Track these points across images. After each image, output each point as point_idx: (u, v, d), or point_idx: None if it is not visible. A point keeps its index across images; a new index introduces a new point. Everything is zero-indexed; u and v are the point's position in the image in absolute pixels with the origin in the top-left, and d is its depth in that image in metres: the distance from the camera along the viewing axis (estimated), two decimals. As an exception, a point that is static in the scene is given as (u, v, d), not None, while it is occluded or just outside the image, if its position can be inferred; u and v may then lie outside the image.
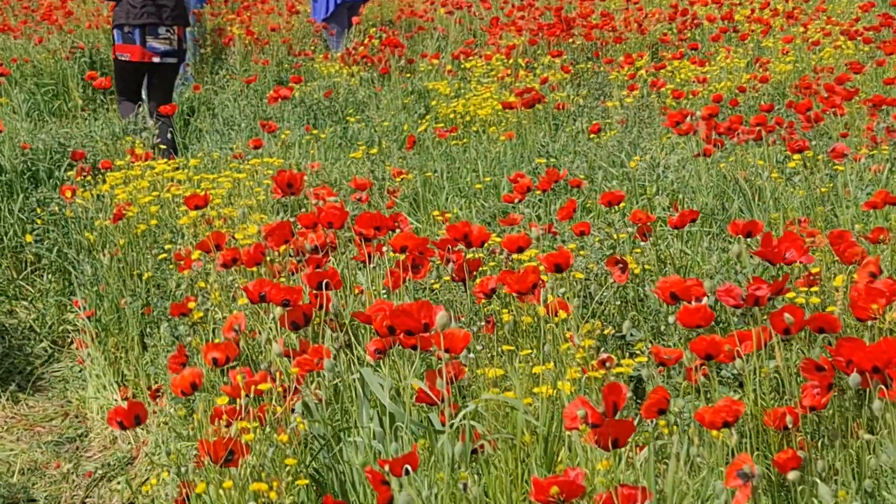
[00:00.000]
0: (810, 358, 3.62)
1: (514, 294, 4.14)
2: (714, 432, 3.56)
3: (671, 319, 4.01)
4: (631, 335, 5.43)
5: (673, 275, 4.41)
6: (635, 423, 4.16)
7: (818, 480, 3.12)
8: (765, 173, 7.33)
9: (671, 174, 8.12)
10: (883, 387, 3.38)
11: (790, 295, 4.23)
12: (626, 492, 3.00)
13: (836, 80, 10.87)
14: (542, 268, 4.43)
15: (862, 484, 3.58)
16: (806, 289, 4.40)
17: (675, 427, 3.59)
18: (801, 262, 4.36)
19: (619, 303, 5.70)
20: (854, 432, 3.75)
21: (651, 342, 5.27)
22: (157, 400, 5.80)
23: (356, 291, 5.45)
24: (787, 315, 3.77)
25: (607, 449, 3.05)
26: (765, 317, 4.14)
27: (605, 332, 4.99)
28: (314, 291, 4.46)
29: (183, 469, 3.67)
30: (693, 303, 3.96)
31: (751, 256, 4.37)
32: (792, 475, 3.16)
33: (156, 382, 6.12)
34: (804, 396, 3.58)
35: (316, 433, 3.82)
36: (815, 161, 7.90)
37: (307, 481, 3.41)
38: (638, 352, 4.50)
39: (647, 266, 5.89)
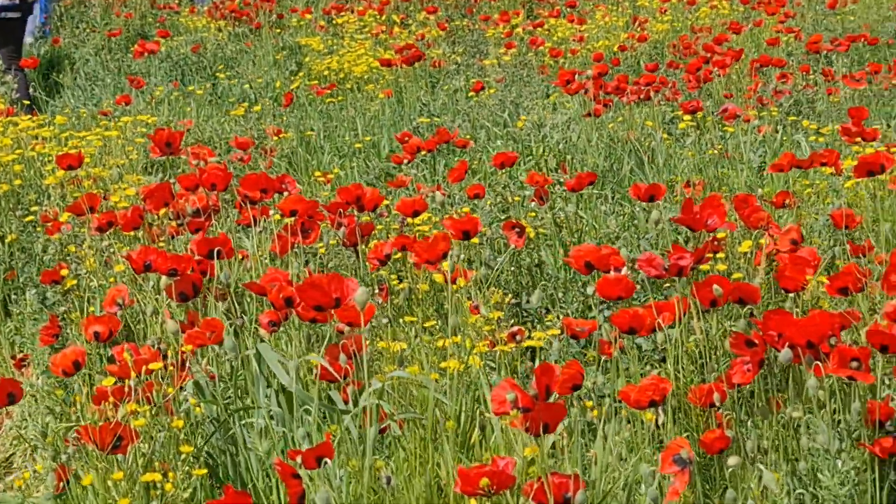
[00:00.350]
0: (740, 332, 3.41)
1: (423, 264, 3.87)
2: (647, 415, 3.34)
3: (589, 290, 3.77)
4: (527, 302, 5.20)
5: (586, 243, 4.17)
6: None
7: (763, 468, 2.91)
8: (657, 134, 7.14)
9: (556, 134, 7.90)
10: (818, 363, 3.18)
11: (705, 267, 4.01)
12: (557, 480, 2.76)
13: (714, 40, 10.75)
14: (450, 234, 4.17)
15: (796, 465, 3.39)
16: (727, 255, 4.21)
17: (601, 408, 3.36)
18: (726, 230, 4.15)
19: (513, 268, 5.47)
20: (777, 409, 3.55)
21: (549, 310, 5.04)
22: (23, 370, 5.43)
23: (240, 257, 5.15)
24: (716, 287, 3.56)
25: (538, 434, 2.81)
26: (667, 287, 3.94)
27: (506, 300, 4.74)
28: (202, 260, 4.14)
29: (63, 455, 3.34)
30: (612, 273, 3.72)
31: (670, 222, 4.15)
32: (732, 461, 2.95)
33: (21, 351, 5.73)
34: (734, 373, 3.37)
35: (209, 414, 3.52)
36: (705, 122, 7.73)
37: (205, 471, 3.11)
38: (549, 323, 4.26)
39: (541, 230, 5.66)
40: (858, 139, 6.24)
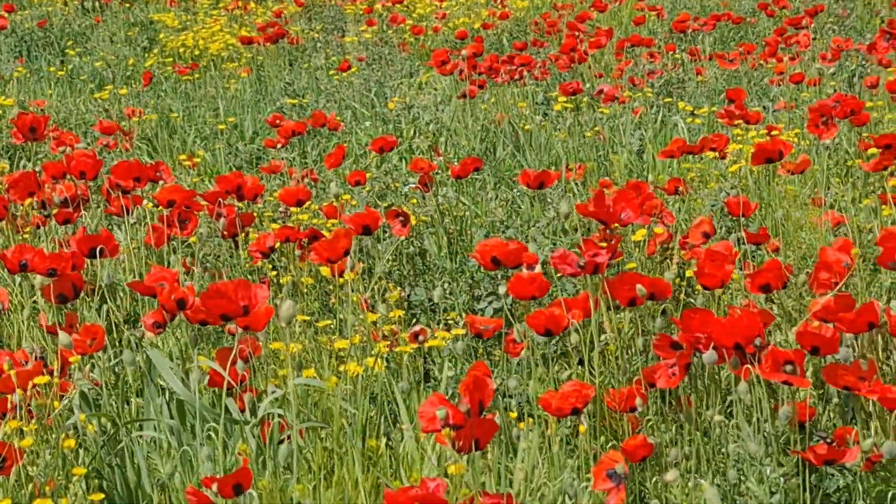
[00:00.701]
0: (665, 334, 3.25)
1: (325, 263, 3.64)
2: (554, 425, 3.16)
3: (501, 290, 3.58)
4: (415, 295, 5.00)
5: (494, 238, 3.98)
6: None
7: (704, 483, 2.75)
8: (537, 117, 6.98)
9: (427, 115, 7.70)
10: (749, 366, 3.03)
11: (631, 265, 3.85)
12: (488, 502, 2.57)
13: (577, 17, 10.65)
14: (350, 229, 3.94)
15: (717, 473, 3.25)
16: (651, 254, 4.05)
17: (520, 413, 3.18)
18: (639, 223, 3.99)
19: (392, 257, 5.26)
20: (689, 406, 3.40)
21: (432, 300, 4.85)
22: None
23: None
24: (639, 287, 3.39)
25: (468, 452, 2.61)
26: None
27: (393, 295, 4.54)
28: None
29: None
30: (525, 270, 3.54)
31: (580, 217, 3.98)
32: (670, 476, 2.78)
33: None
34: (658, 377, 3.21)
35: (96, 428, 3.26)
36: (579, 104, 7.60)
37: (101, 496, 2.85)
38: (448, 321, 4.06)
39: (423, 218, 5.46)
40: (740, 121, 6.15)
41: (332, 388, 3.23)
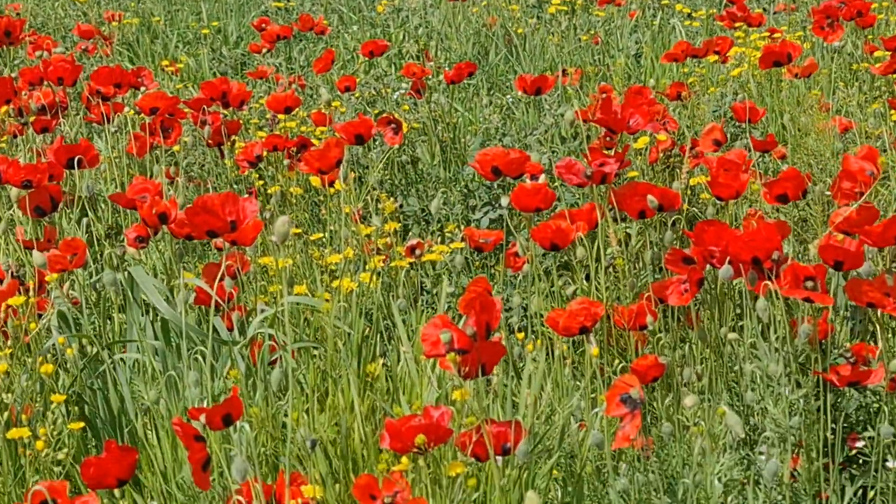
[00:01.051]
0: (677, 248, 3.07)
1: (316, 173, 3.45)
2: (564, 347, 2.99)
3: (504, 202, 3.39)
4: (408, 205, 4.82)
5: (494, 147, 3.79)
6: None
7: (727, 408, 2.59)
8: (531, 21, 6.76)
9: (416, 19, 7.47)
10: (767, 282, 2.85)
11: (633, 174, 3.67)
12: (494, 430, 2.40)
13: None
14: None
15: (733, 394, 3.09)
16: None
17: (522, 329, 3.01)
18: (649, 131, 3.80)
19: (385, 168, 5.07)
20: (699, 326, 3.23)
21: (425, 210, 4.67)
22: None
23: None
24: (650, 198, 3.20)
25: (474, 377, 2.45)
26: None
27: (388, 206, 4.35)
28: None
29: None
30: (529, 181, 3.35)
31: (584, 122, 3.78)
32: (689, 401, 2.61)
33: None
34: (669, 293, 3.03)
35: (76, 349, 3.08)
36: (573, 6, 7.37)
37: (81, 424, 2.68)
38: (450, 235, 3.88)
39: (415, 125, 5.25)
40: (741, 24, 5.94)
41: (326, 306, 3.05)
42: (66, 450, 2.57)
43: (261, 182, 4.58)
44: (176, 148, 4.92)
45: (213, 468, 2.44)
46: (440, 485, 2.39)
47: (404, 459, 2.32)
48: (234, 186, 4.72)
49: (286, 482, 2.36)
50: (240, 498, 2.14)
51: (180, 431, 2.24)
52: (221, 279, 3.10)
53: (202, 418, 2.22)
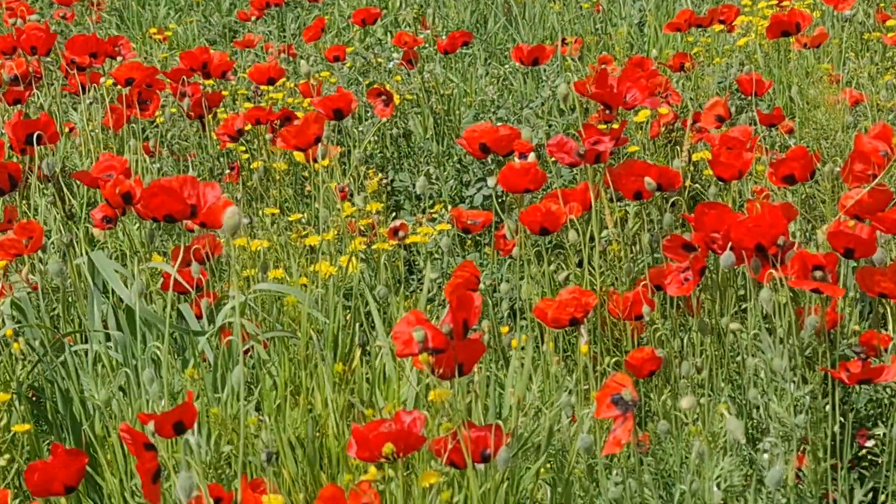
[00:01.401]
0: (677, 234, 2.86)
1: (293, 149, 3.25)
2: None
3: (490, 182, 3.18)
4: (399, 181, 4.62)
5: (483, 122, 3.58)
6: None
7: (728, 413, 2.38)
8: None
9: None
10: (772, 270, 2.65)
11: (634, 149, 3.46)
12: (474, 435, 2.20)
13: None
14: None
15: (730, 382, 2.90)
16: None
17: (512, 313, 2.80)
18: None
19: (374, 139, 4.87)
20: (699, 315, 3.03)
21: (413, 189, 4.47)
22: None
23: (67, 130, 4.47)
24: (648, 180, 2.99)
25: (451, 378, 2.25)
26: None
27: (372, 184, 4.15)
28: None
29: None
30: (518, 160, 3.14)
31: (581, 95, 3.57)
32: (686, 403, 2.41)
33: None
34: (669, 283, 2.83)
35: (31, 339, 2.89)
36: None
37: (28, 427, 2.48)
38: (437, 216, 3.67)
39: (408, 96, 5.05)
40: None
41: (291, 299, 2.85)
42: (7, 456, 2.36)
43: (246, 156, 4.38)
44: (160, 120, 4.73)
45: (172, 475, 2.24)
46: (413, 496, 2.20)
47: (372, 469, 2.12)
48: (218, 161, 4.53)
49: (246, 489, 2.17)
50: (188, 517, 1.93)
51: (128, 439, 2.04)
52: (188, 264, 2.91)
53: (151, 425, 2.02)
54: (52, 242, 3.08)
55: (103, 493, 2.60)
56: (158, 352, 2.53)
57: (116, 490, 2.36)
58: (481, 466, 2.24)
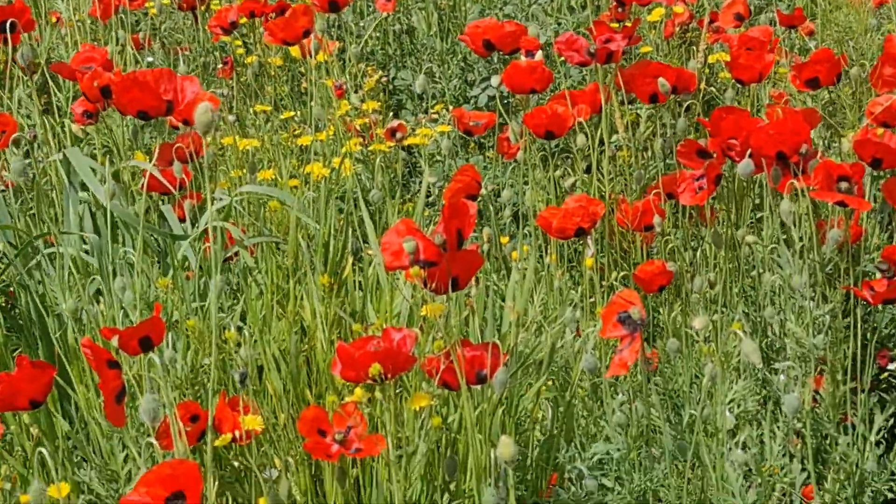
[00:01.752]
0: (692, 139, 2.67)
1: (280, 43, 3.06)
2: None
3: (494, 81, 3.00)
4: (401, 79, 4.43)
5: (488, 18, 3.38)
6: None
7: (743, 334, 2.21)
8: None
9: None
10: (793, 180, 2.47)
11: (646, 49, 3.27)
12: (469, 354, 2.04)
13: None
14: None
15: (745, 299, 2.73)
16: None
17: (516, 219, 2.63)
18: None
19: (377, 35, 4.67)
20: (712, 227, 2.86)
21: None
22: None
23: (54, 20, 4.28)
24: (662, 81, 2.79)
25: (444, 293, 2.08)
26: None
27: (370, 81, 3.96)
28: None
29: None
30: (524, 58, 2.95)
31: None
32: (698, 324, 2.24)
33: None
34: (682, 191, 2.65)
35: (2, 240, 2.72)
36: None
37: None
38: (437, 116, 3.49)
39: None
40: None
41: (274, 204, 2.68)
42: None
43: (242, 51, 4.19)
44: (153, 12, 4.53)
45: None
46: (402, 420, 2.04)
47: (358, 390, 1.96)
48: (213, 55, 4.34)
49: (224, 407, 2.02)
50: (152, 440, 1.77)
51: (90, 355, 1.87)
52: (170, 163, 2.73)
53: (114, 340, 1.85)
54: (19, 138, 2.90)
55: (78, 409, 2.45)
56: (136, 256, 2.35)
57: (85, 407, 2.20)
58: (477, 388, 2.08)
